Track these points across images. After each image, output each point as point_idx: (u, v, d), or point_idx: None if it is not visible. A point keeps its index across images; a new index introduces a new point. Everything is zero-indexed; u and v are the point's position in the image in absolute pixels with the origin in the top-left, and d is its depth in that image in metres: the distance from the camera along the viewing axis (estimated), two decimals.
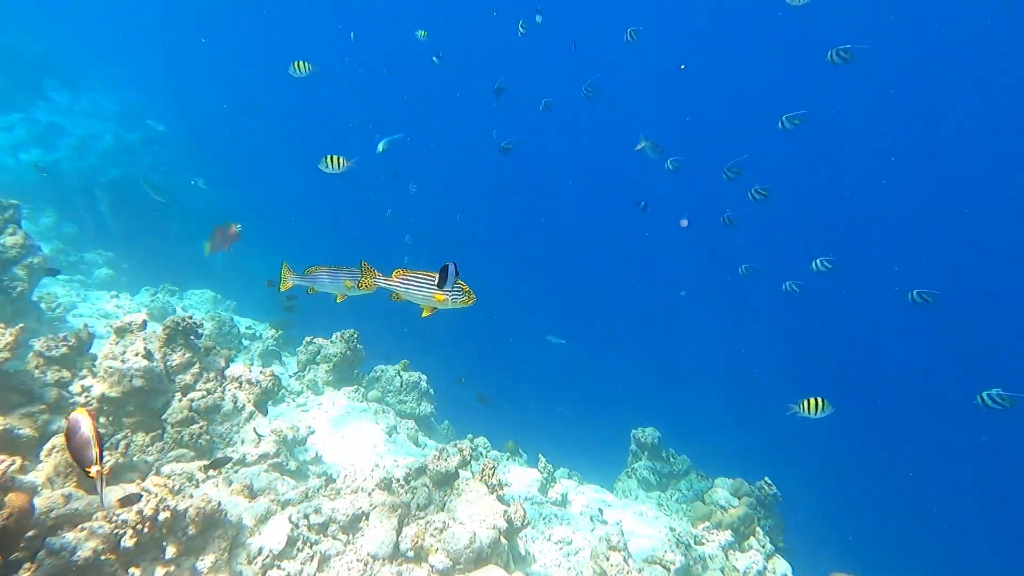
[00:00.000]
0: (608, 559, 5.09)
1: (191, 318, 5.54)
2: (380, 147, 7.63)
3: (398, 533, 4.61)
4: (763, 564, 5.62)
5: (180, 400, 5.15)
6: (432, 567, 4.40)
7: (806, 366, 23.85)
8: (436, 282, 2.82)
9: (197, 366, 5.47)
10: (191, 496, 3.93)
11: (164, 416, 5.00)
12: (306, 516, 4.48)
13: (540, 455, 7.50)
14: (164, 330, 5.34)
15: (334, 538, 4.48)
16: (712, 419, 18.20)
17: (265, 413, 5.81)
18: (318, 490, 4.85)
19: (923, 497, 18.02)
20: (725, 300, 25.87)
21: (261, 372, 5.78)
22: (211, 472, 4.71)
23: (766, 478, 6.85)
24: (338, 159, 4.75)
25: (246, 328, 9.54)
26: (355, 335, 7.60)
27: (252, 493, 4.53)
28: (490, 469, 5.42)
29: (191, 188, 20.58)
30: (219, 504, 3.92)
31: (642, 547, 5.99)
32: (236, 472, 4.86)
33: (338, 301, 3.55)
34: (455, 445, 5.56)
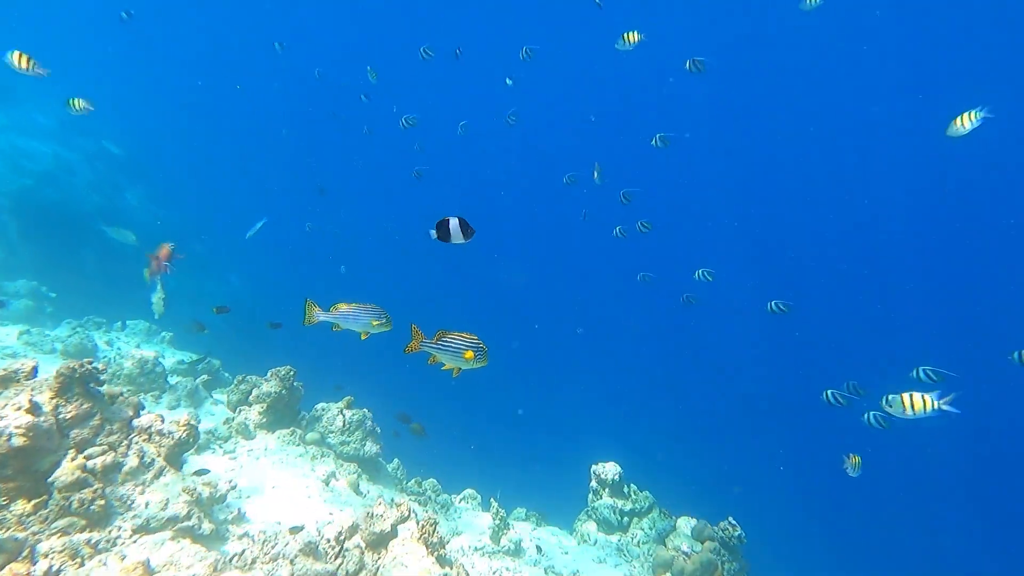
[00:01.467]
0: None
1: (91, 363, 4.91)
2: (249, 234, 8.04)
3: None
4: None
5: (72, 459, 4.51)
6: None
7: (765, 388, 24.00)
8: (468, 345, 3.06)
9: (97, 418, 4.84)
10: None
11: (51, 479, 4.35)
12: None
13: (492, 499, 7.03)
14: (56, 378, 4.70)
15: None
16: (674, 449, 17.99)
17: (180, 467, 5.19)
18: (230, 561, 4.26)
19: (894, 528, 18.07)
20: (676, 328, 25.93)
21: (175, 422, 5.17)
22: (102, 545, 4.09)
23: (730, 518, 6.53)
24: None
25: (177, 362, 8.81)
26: (291, 372, 7.02)
27: (149, 571, 3.92)
28: (430, 526, 4.93)
29: (132, 210, 19.58)
30: None
31: None
32: (135, 543, 4.24)
33: (363, 338, 3.60)
34: (393, 502, 5.05)
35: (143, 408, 5.31)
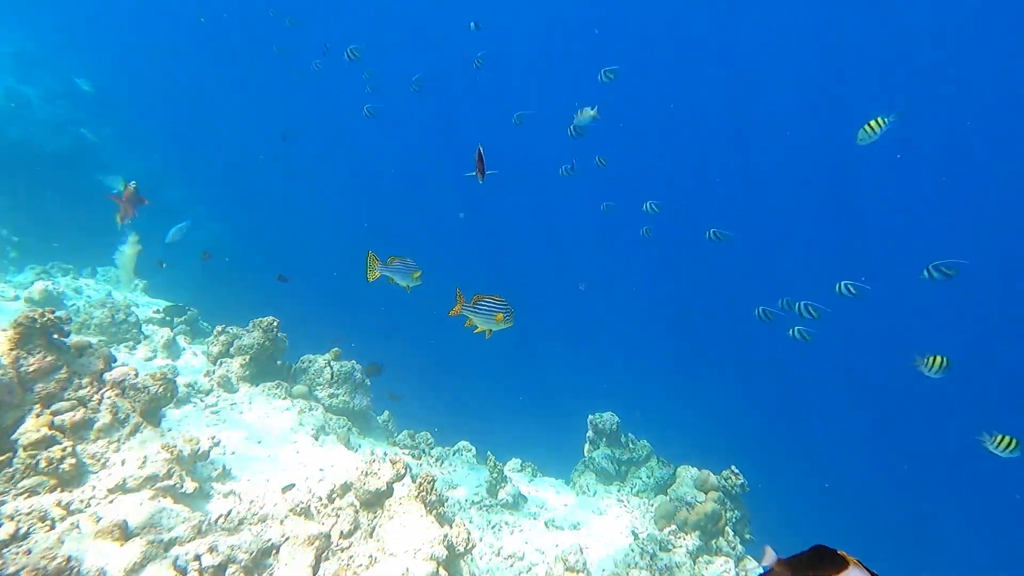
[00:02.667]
0: None
1: (53, 312, 4.49)
2: (170, 237, 8.22)
3: (315, 572, 3.85)
4: (734, 571, 5.17)
5: (37, 415, 4.15)
6: None
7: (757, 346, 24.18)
8: (499, 307, 3.13)
9: (64, 371, 4.46)
10: (25, 551, 3.03)
11: (14, 436, 4.01)
12: (197, 558, 3.64)
13: (489, 453, 6.86)
14: (15, 329, 4.28)
15: None
16: (671, 401, 18.11)
17: (158, 423, 4.87)
18: (215, 522, 4.00)
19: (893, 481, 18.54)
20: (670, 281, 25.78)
21: (150, 375, 4.81)
22: (75, 506, 3.79)
23: (732, 467, 6.38)
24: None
25: (153, 312, 8.36)
26: (274, 323, 6.65)
27: (126, 533, 3.64)
28: (428, 483, 4.70)
29: (100, 151, 18.49)
30: (67, 560, 3.03)
31: (602, 559, 5.46)
32: (111, 503, 3.95)
33: (408, 290, 3.67)
34: (387, 456, 4.80)
35: (115, 360, 4.92)
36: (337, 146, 29.57)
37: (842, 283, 5.00)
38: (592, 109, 6.47)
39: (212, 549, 3.72)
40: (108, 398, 4.57)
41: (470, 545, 4.41)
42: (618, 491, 7.15)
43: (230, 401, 6.17)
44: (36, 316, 4.37)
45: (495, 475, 6.51)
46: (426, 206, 28.21)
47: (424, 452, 7.16)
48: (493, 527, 5.86)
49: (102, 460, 4.24)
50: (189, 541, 3.73)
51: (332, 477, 5.04)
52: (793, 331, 5.90)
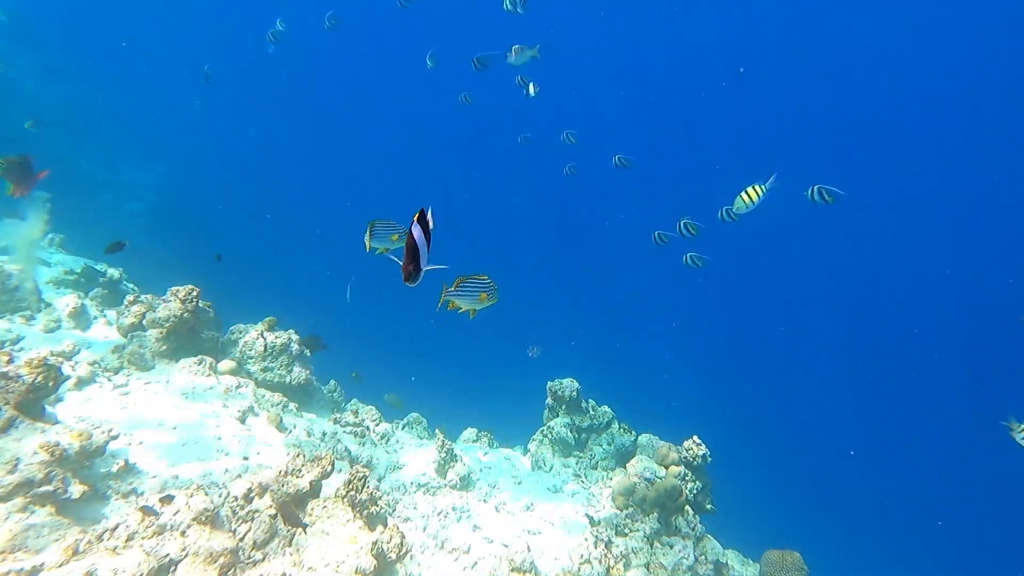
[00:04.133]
0: None
1: None
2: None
3: None
4: (693, 556, 4.90)
5: None
6: None
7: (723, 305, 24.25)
8: (482, 287, 3.17)
9: None
10: None
11: None
12: None
13: (437, 430, 6.43)
14: None
15: None
16: (636, 369, 18.01)
17: (40, 415, 4.21)
18: (99, 539, 3.45)
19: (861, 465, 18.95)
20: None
21: (26, 362, 4.11)
22: None
23: (695, 437, 6.03)
24: None
25: (65, 272, 7.50)
26: (194, 293, 5.93)
27: None
28: (358, 481, 4.23)
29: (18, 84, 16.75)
30: None
31: (556, 545, 5.14)
32: None
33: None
34: (314, 456, 4.28)
35: (32, 322, 4.20)
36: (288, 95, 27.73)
37: (815, 187, 4.68)
38: (532, 48, 5.74)
39: (90, 575, 3.18)
40: None
41: (403, 551, 3.99)
42: (576, 463, 6.84)
43: (143, 380, 5.51)
44: None
45: (443, 454, 6.10)
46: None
47: (367, 430, 6.68)
48: (439, 513, 5.48)
49: None
50: (60, 567, 3.18)
51: (251, 477, 4.52)
52: (686, 258, 5.79)
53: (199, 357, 5.93)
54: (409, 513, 5.39)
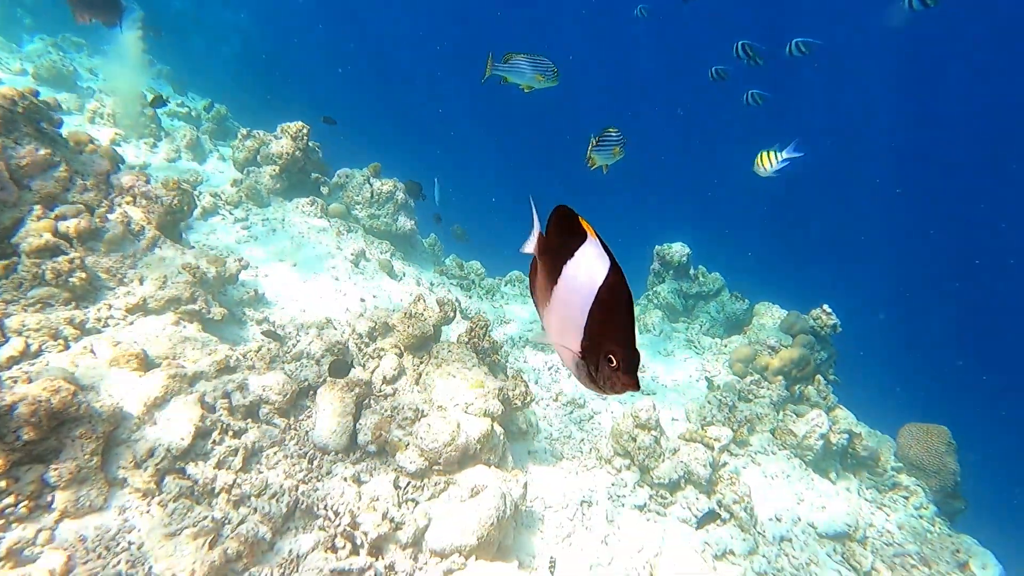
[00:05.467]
0: (635, 440, 4.13)
1: (35, 94, 3.71)
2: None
3: (356, 420, 3.50)
4: (827, 424, 4.56)
5: (38, 217, 3.61)
6: (401, 468, 3.37)
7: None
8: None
9: (63, 169, 3.81)
10: (25, 380, 2.65)
11: (14, 239, 3.51)
12: (227, 395, 3.29)
13: None
14: None
15: (267, 423, 3.36)
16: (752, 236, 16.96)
17: (179, 239, 4.33)
18: (244, 357, 3.61)
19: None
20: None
21: (163, 183, 4.14)
22: (90, 325, 3.40)
23: (824, 306, 5.55)
24: None
25: (177, 105, 7.53)
26: (304, 130, 5.76)
27: (147, 362, 3.27)
28: (481, 328, 4.18)
29: None
30: (72, 394, 2.64)
31: (671, 410, 5.08)
32: (131, 325, 3.56)
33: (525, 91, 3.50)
34: (434, 295, 4.22)
35: (123, 163, 4.24)
36: None
37: (793, 42, 4.63)
38: None
39: (242, 387, 3.35)
40: (119, 206, 3.98)
41: (528, 399, 4.00)
42: (687, 329, 6.62)
43: (261, 216, 5.59)
44: (15, 97, 3.60)
45: None
46: None
47: (474, 284, 6.68)
48: (550, 368, 5.51)
49: (117, 276, 3.77)
50: (216, 377, 3.35)
51: (373, 312, 4.57)
52: (747, 97, 5.15)
53: (311, 198, 5.91)
54: (520, 366, 5.44)
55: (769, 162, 4.02)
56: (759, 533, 3.78)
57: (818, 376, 4.90)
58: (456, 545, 3.02)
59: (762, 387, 4.94)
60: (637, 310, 7.02)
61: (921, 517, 4.15)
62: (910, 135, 21.98)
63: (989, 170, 20.68)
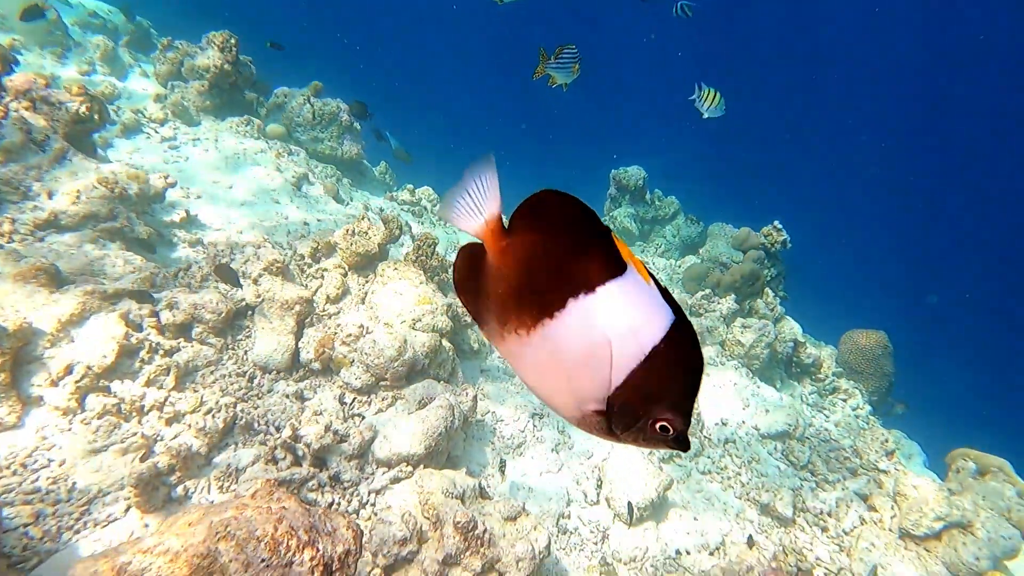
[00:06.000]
0: None
1: None
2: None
3: (297, 338, 3.39)
4: (773, 333, 4.69)
5: None
6: (346, 384, 3.30)
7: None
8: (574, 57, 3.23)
9: None
10: None
11: None
12: (155, 314, 3.11)
13: None
14: None
15: (202, 343, 3.21)
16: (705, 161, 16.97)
17: (94, 153, 3.98)
18: (174, 277, 3.40)
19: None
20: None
21: (66, 87, 3.75)
22: None
23: (775, 222, 5.62)
24: None
25: (89, 13, 6.82)
26: (232, 41, 5.30)
27: (58, 279, 3.04)
28: (428, 246, 4.06)
29: None
30: None
31: None
32: (40, 242, 3.29)
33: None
34: (381, 214, 4.06)
35: (17, 64, 3.82)
36: None
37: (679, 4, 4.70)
38: None
39: (172, 306, 3.17)
40: (15, 111, 3.60)
41: None
42: (642, 252, 6.67)
43: (191, 136, 5.20)
44: None
45: None
46: None
47: (426, 210, 6.48)
48: None
49: (20, 189, 3.46)
50: (141, 295, 3.15)
51: (315, 233, 4.38)
52: (676, 8, 5.13)
53: (246, 117, 5.53)
54: None
55: (711, 102, 4.02)
56: (705, 437, 3.91)
57: (767, 289, 4.99)
58: (403, 455, 3.00)
59: (712, 302, 5.01)
60: None
61: (857, 417, 4.37)
62: (853, 50, 22.17)
63: (932, 85, 21.15)
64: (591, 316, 0.57)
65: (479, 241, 0.64)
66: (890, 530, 3.29)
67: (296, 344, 3.37)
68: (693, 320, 4.86)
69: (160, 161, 4.77)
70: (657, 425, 0.60)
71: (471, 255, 0.66)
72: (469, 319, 3.89)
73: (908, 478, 3.45)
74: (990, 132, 19.84)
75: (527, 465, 3.56)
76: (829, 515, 3.42)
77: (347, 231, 3.87)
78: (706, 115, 4.12)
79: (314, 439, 2.81)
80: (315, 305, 3.63)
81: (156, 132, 5.06)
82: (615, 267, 0.57)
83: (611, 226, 6.80)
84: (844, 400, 4.49)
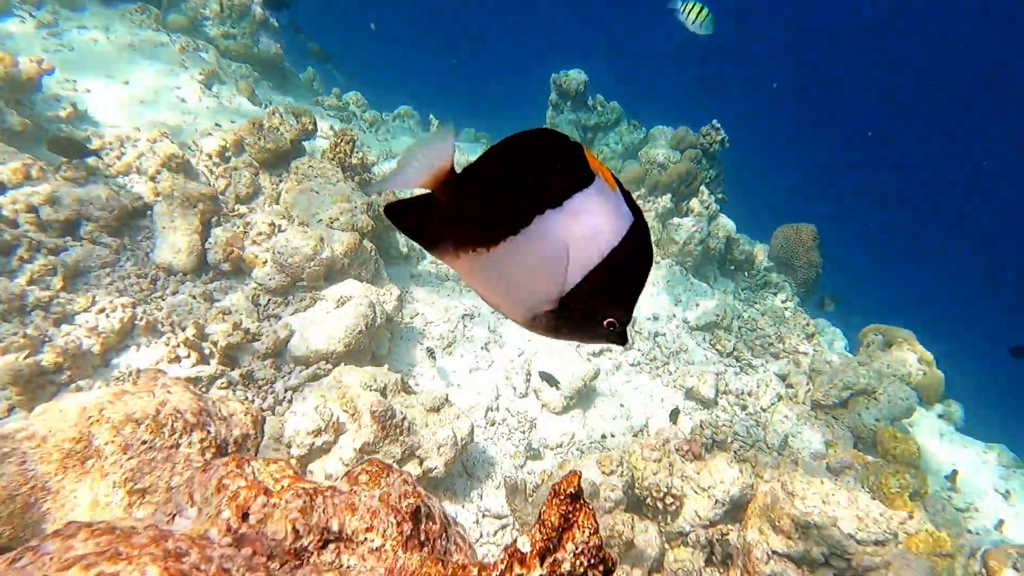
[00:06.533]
0: None
1: None
2: None
3: (203, 238, 3.18)
4: (706, 230, 4.71)
5: None
6: (260, 284, 3.14)
7: None
8: None
9: None
10: None
11: None
12: (33, 209, 2.84)
13: (431, 116, 5.92)
14: None
15: (95, 243, 2.98)
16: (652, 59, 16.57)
17: None
18: (58, 169, 3.09)
19: None
20: None
21: None
22: None
23: (714, 122, 5.56)
24: None
25: None
26: None
27: None
28: (347, 144, 3.82)
29: None
30: None
31: None
32: None
33: None
34: (292, 111, 3.77)
35: None
36: None
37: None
38: None
39: (53, 201, 2.89)
40: None
41: None
42: None
43: (76, 23, 4.64)
44: None
45: None
46: None
47: (355, 116, 6.11)
48: None
49: None
50: (14, 187, 2.86)
51: (224, 131, 4.06)
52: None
53: (140, 4, 4.97)
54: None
55: (694, 17, 3.81)
56: (636, 331, 3.97)
57: (702, 188, 4.97)
58: (322, 352, 2.93)
59: (648, 202, 4.98)
60: None
61: (786, 308, 4.53)
62: None
63: None
64: (555, 228, 0.62)
65: (424, 192, 0.65)
66: (803, 403, 3.48)
67: (202, 244, 3.17)
68: None
69: (40, 50, 4.25)
70: (605, 320, 0.66)
71: (418, 207, 0.67)
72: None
73: (823, 355, 3.61)
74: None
75: (457, 363, 3.54)
76: (749, 395, 3.58)
77: (252, 124, 3.58)
78: (691, 30, 3.85)
79: (221, 337, 2.69)
80: (222, 204, 3.39)
81: (31, 16, 4.49)
82: (581, 180, 0.62)
83: None
84: (774, 294, 4.62)
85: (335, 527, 1.16)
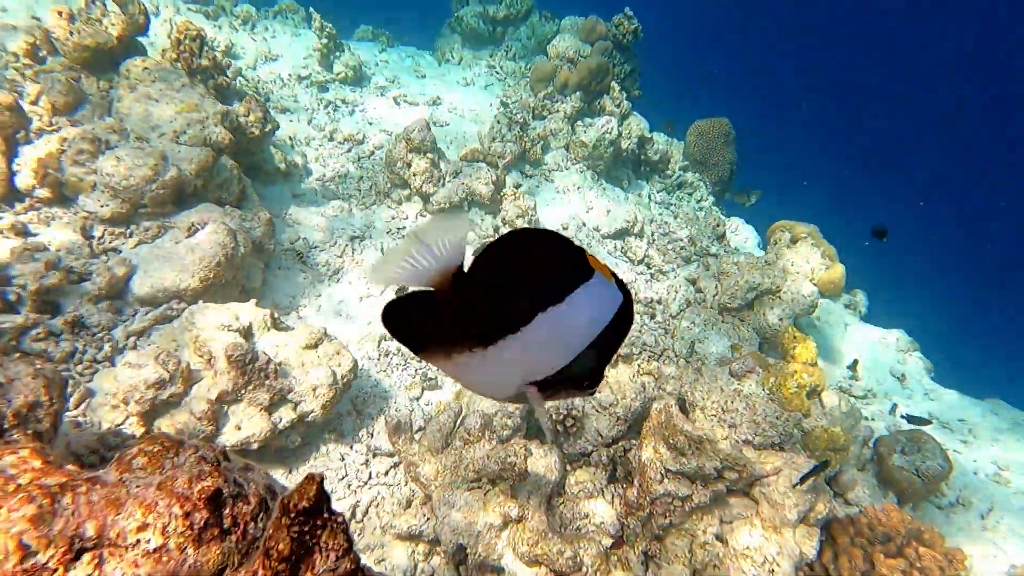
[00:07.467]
0: (411, 166, 3.71)
1: None
2: None
3: (8, 159, 2.64)
4: (616, 130, 4.43)
5: None
6: (91, 213, 2.68)
7: None
8: None
9: None
10: None
11: None
12: None
13: (314, 10, 5.21)
14: None
15: None
16: None
17: None
18: None
19: None
20: None
21: None
22: None
23: (627, 10, 5.14)
24: None
25: None
26: None
27: None
28: (192, 40, 3.25)
29: None
30: None
31: (464, 132, 4.68)
32: None
33: None
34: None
35: None
36: None
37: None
38: None
39: None
40: None
41: (269, 128, 3.30)
42: (490, 56, 6.01)
43: None
44: None
45: (326, 39, 5.03)
46: None
47: (224, 10, 5.29)
48: (327, 106, 4.73)
49: None
50: None
51: (29, 25, 3.34)
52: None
53: None
54: (288, 105, 4.60)
55: None
56: None
57: (613, 84, 4.63)
58: (171, 290, 2.56)
59: (556, 102, 4.62)
60: (441, 41, 6.18)
61: (701, 209, 4.40)
62: None
63: None
64: (557, 321, 0.66)
65: (422, 289, 0.66)
66: (711, 307, 3.43)
67: (8, 166, 2.64)
68: (536, 124, 4.50)
69: None
70: (584, 384, 0.73)
71: (420, 308, 0.68)
72: (256, 130, 3.25)
73: (731, 257, 3.53)
74: None
75: (345, 291, 3.25)
76: (659, 303, 3.49)
77: (57, 12, 2.93)
78: None
79: (31, 280, 2.27)
80: (32, 118, 2.82)
81: None
82: (583, 276, 0.66)
83: (457, 27, 5.98)
84: (690, 194, 4.47)
85: (90, 532, 0.92)
